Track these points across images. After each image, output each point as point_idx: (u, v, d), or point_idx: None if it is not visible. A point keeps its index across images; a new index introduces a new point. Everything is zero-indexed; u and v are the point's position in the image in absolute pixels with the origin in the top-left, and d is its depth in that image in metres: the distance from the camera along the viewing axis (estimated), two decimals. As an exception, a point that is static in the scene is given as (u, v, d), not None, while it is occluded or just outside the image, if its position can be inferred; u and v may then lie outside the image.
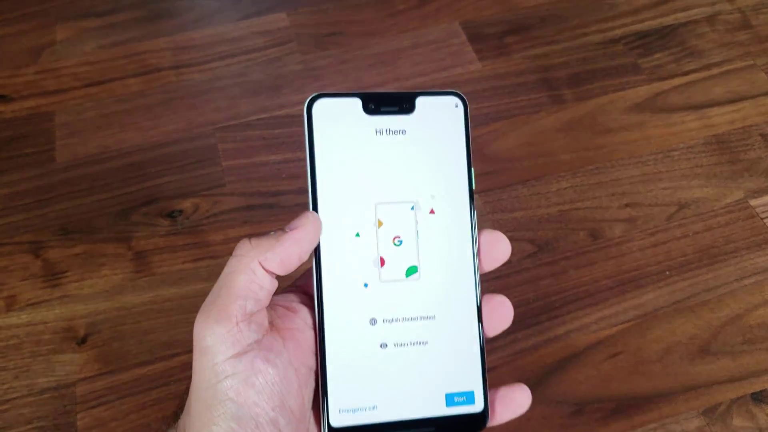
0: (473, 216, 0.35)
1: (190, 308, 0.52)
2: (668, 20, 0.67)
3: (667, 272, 0.52)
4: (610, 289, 0.51)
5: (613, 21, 0.67)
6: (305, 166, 0.34)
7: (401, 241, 0.35)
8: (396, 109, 0.35)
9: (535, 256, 0.53)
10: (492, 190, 0.57)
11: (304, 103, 0.33)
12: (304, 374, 0.35)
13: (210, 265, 0.54)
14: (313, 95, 0.34)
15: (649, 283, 0.52)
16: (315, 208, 0.34)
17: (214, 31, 0.70)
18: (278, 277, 0.33)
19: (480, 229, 0.35)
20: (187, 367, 0.49)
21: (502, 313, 0.36)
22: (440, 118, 0.36)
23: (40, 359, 0.49)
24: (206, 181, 0.59)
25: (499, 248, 0.36)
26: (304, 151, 0.34)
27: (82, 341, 0.50)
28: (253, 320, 0.33)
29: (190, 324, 0.51)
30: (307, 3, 0.71)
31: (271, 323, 0.34)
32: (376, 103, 0.35)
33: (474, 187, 0.36)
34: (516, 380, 0.47)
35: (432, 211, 0.35)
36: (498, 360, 0.48)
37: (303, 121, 0.34)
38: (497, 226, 0.54)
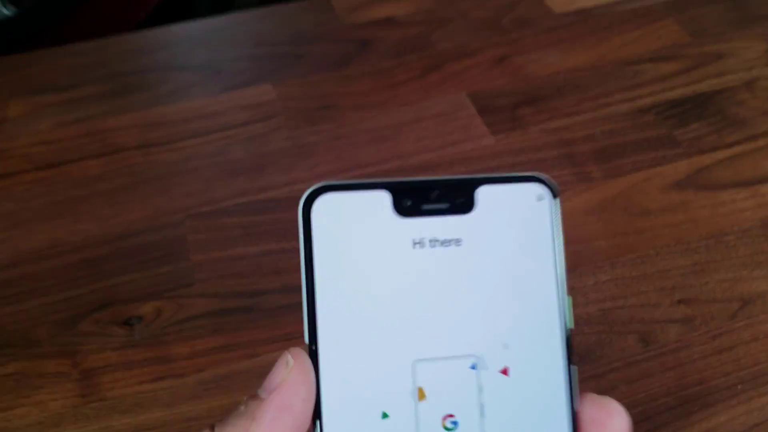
0: (573, 376, 0.24)
1: (144, 444, 0.41)
2: (702, 87, 0.59)
3: (739, 386, 0.42)
4: (671, 410, 0.41)
5: (640, 89, 0.59)
6: (301, 292, 0.23)
7: (456, 423, 0.23)
8: (446, 206, 0.24)
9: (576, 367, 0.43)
10: (517, 285, 0.47)
11: (294, 190, 0.24)
12: None
13: (173, 386, 0.43)
14: (315, 187, 0.23)
15: (719, 401, 0.41)
16: (316, 368, 0.23)
17: (189, 105, 0.61)
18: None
19: (581, 392, 0.24)
20: None
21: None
22: (515, 219, 0.24)
23: None
24: (171, 279, 0.49)
25: (611, 426, 0.24)
26: (300, 273, 0.23)
27: (6, 490, 0.39)
28: None
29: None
30: (296, 74, 0.63)
31: None
32: (415, 198, 0.23)
33: (572, 326, 0.24)
34: None
35: (505, 371, 0.23)
36: None
37: (298, 226, 0.23)
38: (526, 330, 0.45)
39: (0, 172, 0.56)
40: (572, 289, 0.46)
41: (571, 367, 0.24)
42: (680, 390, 0.42)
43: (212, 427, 0.22)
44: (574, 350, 0.25)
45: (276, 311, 0.46)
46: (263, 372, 0.44)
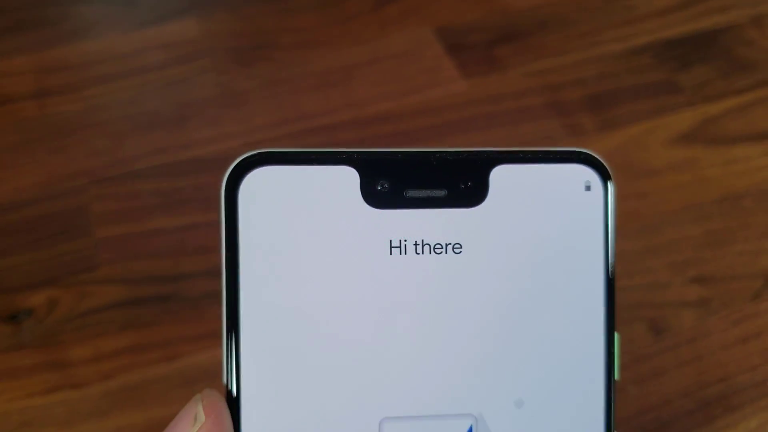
0: None
1: (29, 480, 0.32)
2: (704, 24, 0.51)
3: (768, 382, 0.35)
4: (690, 414, 0.34)
5: (634, 26, 0.51)
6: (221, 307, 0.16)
7: None
8: (442, 194, 0.16)
9: None
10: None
11: (224, 154, 0.22)
12: None
13: (69, 399, 0.34)
14: (247, 156, 0.16)
15: (746, 402, 0.34)
16: (236, 423, 0.16)
17: (96, 45, 0.50)
18: None
19: None
20: None
21: None
22: (546, 216, 0.16)
23: None
24: (71, 261, 0.39)
25: None
26: (219, 281, 0.16)
27: None
28: None
29: None
30: (226, 7, 0.52)
31: None
32: (395, 178, 0.16)
33: (618, 377, 0.17)
34: None
35: None
36: None
37: (219, 214, 0.16)
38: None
39: None
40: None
41: None
42: (699, 389, 0.35)
43: None
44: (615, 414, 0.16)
45: (201, 301, 0.37)
46: (185, 380, 0.35)
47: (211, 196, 0.41)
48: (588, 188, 0.17)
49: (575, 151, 0.17)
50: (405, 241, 0.16)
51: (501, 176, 0.16)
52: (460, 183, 0.16)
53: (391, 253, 0.16)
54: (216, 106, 0.46)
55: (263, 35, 0.50)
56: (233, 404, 0.16)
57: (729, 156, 0.44)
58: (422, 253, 0.16)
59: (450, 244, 0.16)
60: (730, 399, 0.34)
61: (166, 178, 0.43)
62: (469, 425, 0.16)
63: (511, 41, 0.50)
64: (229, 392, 0.16)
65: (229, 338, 0.16)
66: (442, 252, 0.16)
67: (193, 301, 0.37)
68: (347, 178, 0.16)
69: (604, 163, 0.17)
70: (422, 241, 0.16)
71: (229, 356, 0.16)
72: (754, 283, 0.38)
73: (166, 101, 0.47)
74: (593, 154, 0.17)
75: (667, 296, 0.38)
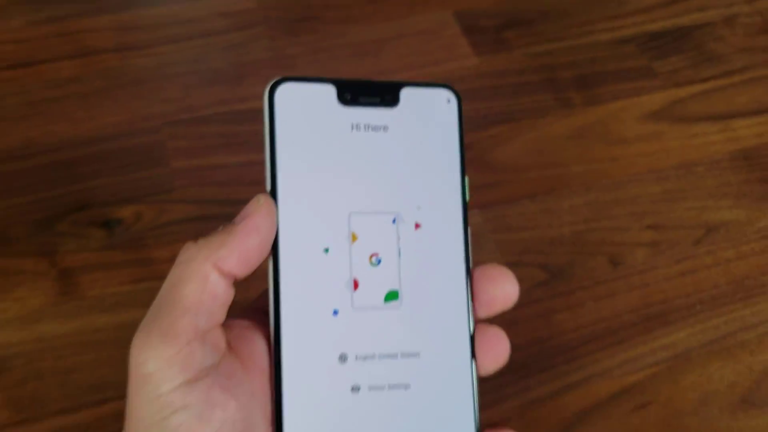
0: (467, 233, 0.30)
1: (126, 341, 0.41)
2: (683, 21, 0.60)
3: (698, 306, 0.45)
4: (634, 326, 0.44)
5: (623, 19, 0.60)
6: (264, 159, 0.27)
7: (380, 260, 0.29)
8: (377, 100, 0.29)
9: (547, 284, 0.45)
10: (494, 204, 0.48)
11: (265, 86, 0.27)
12: (269, 410, 0.27)
13: (153, 288, 0.43)
14: (278, 79, 0.28)
15: (679, 319, 0.44)
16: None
17: (166, 10, 0.60)
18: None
19: (478, 262, 0.29)
20: (121, 416, 0.39)
21: (497, 348, 0.30)
22: (429, 115, 0.30)
23: (-72, 406, 0.39)
24: (152, 185, 0.49)
25: (502, 288, 0.29)
26: (263, 145, 0.28)
27: (-13, 382, 0.40)
28: (207, 340, 0.26)
29: (126, 361, 0.42)
30: (277, -16, 0.62)
31: (229, 344, 0.27)
32: (353, 92, 0.29)
33: (468, 199, 0.30)
34: (529, 437, 0.39)
35: (417, 226, 0.29)
36: (508, 410, 0.40)
37: (263, 108, 0.28)
38: (501, 247, 0.46)
39: (-30, 68, 0.54)
40: (547, 211, 0.48)
41: (467, 226, 0.30)
42: (644, 308, 0.44)
43: (196, 240, 0.27)
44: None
45: (257, 219, 0.47)
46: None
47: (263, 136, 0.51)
48: (449, 101, 0.30)
49: (445, 84, 0.30)
50: (359, 123, 0.29)
51: (408, 93, 0.29)
52: (386, 95, 0.29)
53: (351, 130, 0.29)
54: (268, 67, 0.55)
55: (310, 9, 0.59)
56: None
57: (689, 132, 0.53)
58: (367, 131, 0.29)
59: (382, 126, 0.29)
60: (666, 316, 0.44)
61: (227, 123, 0.52)
62: (394, 217, 0.29)
63: (517, 26, 0.59)
64: (270, 194, 0.28)
65: (271, 167, 0.27)
66: (378, 131, 0.29)
67: (250, 220, 0.47)
68: (330, 90, 0.29)
69: (457, 91, 0.29)
70: (367, 125, 0.29)
71: (272, 177, 0.27)
72: (697, 232, 0.48)
73: (226, 61, 0.56)
74: (452, 86, 0.30)
75: (626, 238, 0.47)
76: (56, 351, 0.41)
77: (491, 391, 0.39)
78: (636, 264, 0.46)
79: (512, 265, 0.44)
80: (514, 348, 0.41)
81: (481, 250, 0.46)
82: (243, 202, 0.48)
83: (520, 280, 0.38)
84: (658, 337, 0.43)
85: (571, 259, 0.46)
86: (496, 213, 0.48)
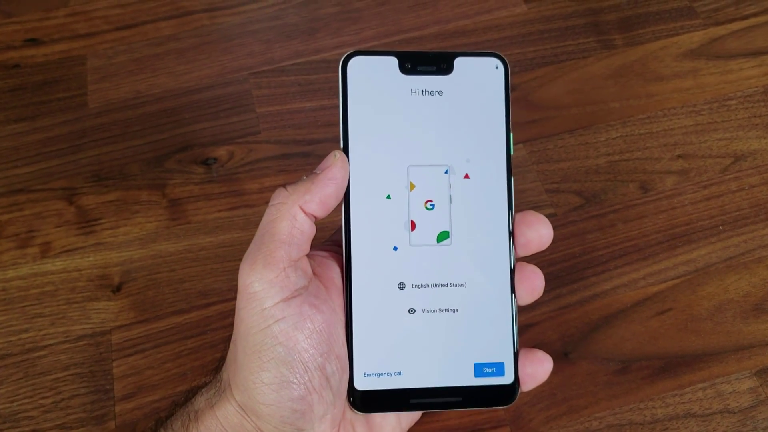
0: (510, 183, 0.35)
1: (225, 257, 0.51)
2: (727, -40, 0.63)
3: (721, 227, 0.50)
4: (660, 244, 0.49)
5: (668, -39, 0.63)
6: (339, 121, 0.34)
7: (433, 206, 0.34)
8: (433, 69, 0.34)
9: (582, 208, 0.51)
10: (537, 139, 0.54)
11: (341, 53, 0.34)
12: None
13: (246, 214, 0.53)
14: (349, 52, 0.34)
15: (702, 239, 0.49)
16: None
17: (247, -28, 0.67)
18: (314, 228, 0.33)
19: (520, 208, 0.34)
20: (224, 316, 0.48)
21: (533, 283, 0.35)
22: (479, 80, 0.34)
23: (75, 306, 0.49)
24: (241, 128, 0.57)
25: (538, 231, 0.35)
26: (338, 109, 0.34)
27: (117, 289, 0.49)
28: (297, 266, 0.32)
29: (226, 273, 0.51)
30: (344, -57, 0.68)
31: (314, 270, 0.34)
32: (412, 63, 0.34)
33: (512, 154, 0.35)
34: (559, 336, 0.46)
35: (467, 176, 0.34)
36: (541, 315, 0.46)
37: (338, 78, 0.33)
38: (542, 176, 0.52)
39: (87, 32, 0.64)
40: (585, 144, 0.54)
41: (510, 177, 0.35)
42: (669, 229, 0.50)
43: (285, 186, 0.33)
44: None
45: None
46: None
47: (334, 86, 0.58)
48: (496, 68, 0.35)
49: (494, 52, 0.34)
50: (416, 90, 0.34)
51: (461, 62, 0.34)
52: (442, 64, 0.34)
53: (411, 95, 0.34)
54: (337, 21, 0.62)
55: (373, -34, 0.66)
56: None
57: (725, 68, 0.57)
58: (425, 95, 0.34)
59: (437, 90, 0.34)
60: (690, 236, 0.49)
61: (303, 73, 0.59)
62: (446, 169, 0.34)
63: (565, -26, 0.63)
64: (343, 150, 0.34)
65: (344, 127, 0.34)
66: (434, 95, 0.34)
67: (323, 156, 0.54)
68: (392, 61, 0.34)
69: (504, 58, 0.34)
70: (425, 90, 0.34)
71: (344, 135, 0.34)
72: (725, 160, 0.52)
73: (301, 17, 0.63)
74: (500, 54, 0.34)
75: (657, 167, 0.52)
76: (169, 265, 0.51)
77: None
78: (665, 190, 0.51)
79: (551, 192, 0.51)
80: (550, 262, 0.48)
81: (524, 179, 0.52)
82: (317, 142, 0.56)
83: (558, 205, 0.45)
84: (681, 254, 0.49)
85: (605, 186, 0.52)
86: (538, 146, 0.54)
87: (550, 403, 0.43)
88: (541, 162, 0.53)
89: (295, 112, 0.57)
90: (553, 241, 0.49)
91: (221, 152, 0.56)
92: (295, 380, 0.31)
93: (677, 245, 0.49)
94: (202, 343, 0.47)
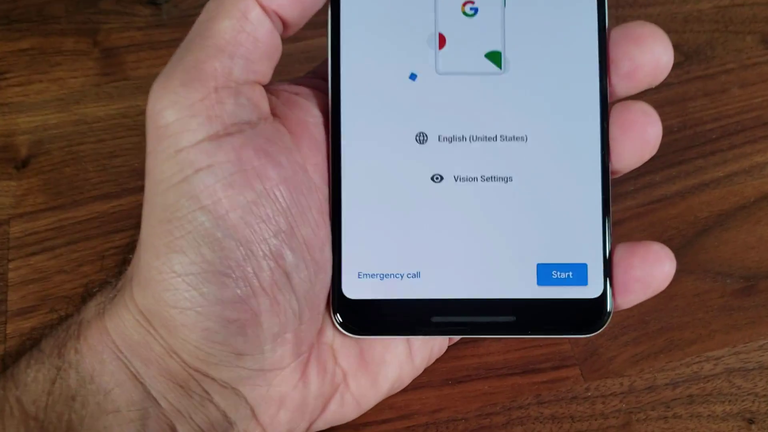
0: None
1: (173, 123, 0.36)
2: None
3: None
4: (786, 115, 0.35)
5: None
6: None
7: (476, 10, 0.23)
8: None
9: (681, 67, 0.36)
10: (617, -26, 0.39)
11: None
12: (324, 192, 0.22)
13: (205, 67, 0.38)
14: None
15: None
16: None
17: None
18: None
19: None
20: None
21: (643, 132, 0.22)
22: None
23: (-40, 185, 0.35)
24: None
25: (649, 52, 0.22)
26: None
27: (23, 165, 0.36)
28: (242, 93, 0.20)
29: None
30: None
31: (274, 111, 0.22)
32: None
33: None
34: (650, 239, 0.31)
35: None
36: (625, 211, 0.32)
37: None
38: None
39: None
40: (684, -18, 0.38)
41: None
42: (803, 96, 0.35)
43: None
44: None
45: None
46: (306, 56, 0.38)
47: None
48: None
49: None
50: None
51: None
52: None
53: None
54: None
55: None
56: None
57: None
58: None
59: None
60: (835, 108, 0.35)
61: None
62: None
63: None
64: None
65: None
66: None
67: None
68: None
69: None
70: None
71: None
72: None
73: None
74: None
75: (786, 14, 0.37)
76: (96, 134, 0.37)
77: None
78: (797, 45, 0.36)
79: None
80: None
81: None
82: None
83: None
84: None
85: (711, 39, 0.37)
86: (618, -16, 0.39)
87: (640, 336, 0.29)
88: (623, 6, 0.38)
89: None
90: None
91: (176, -13, 0.41)
92: (228, 270, 0.20)
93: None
94: (134, 240, 0.33)
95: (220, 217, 0.20)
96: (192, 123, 0.20)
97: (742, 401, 0.27)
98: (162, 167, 0.20)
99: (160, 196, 0.20)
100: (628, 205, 0.32)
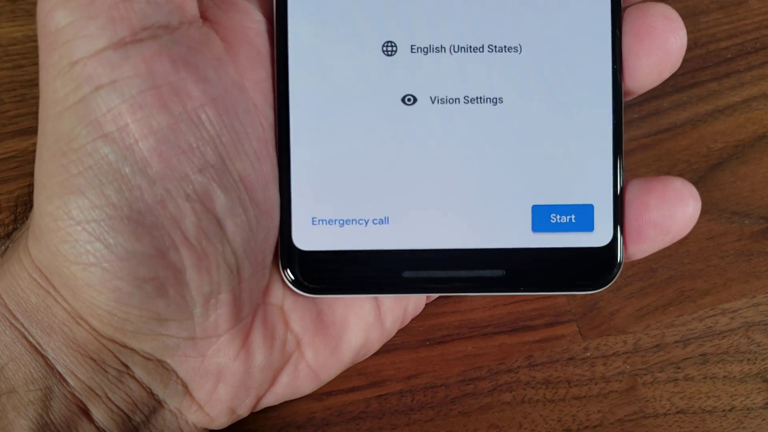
0: None
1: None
2: None
3: None
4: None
5: None
6: None
7: None
8: None
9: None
10: None
11: None
12: (268, 117, 0.18)
13: None
14: None
15: None
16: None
17: None
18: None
19: None
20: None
21: (664, 39, 0.18)
22: None
23: None
24: None
25: None
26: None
27: None
28: None
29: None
30: None
31: (204, 13, 0.17)
32: None
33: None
34: (660, 174, 0.27)
35: None
36: (628, 142, 0.28)
37: None
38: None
39: None
40: None
41: None
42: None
43: None
44: None
45: None
46: None
47: None
48: None
49: None
50: None
51: None
52: None
53: None
54: None
55: None
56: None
57: None
58: None
59: None
60: None
61: None
62: None
63: None
64: None
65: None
66: None
67: None
68: None
69: None
70: None
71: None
72: None
73: None
74: None
75: None
76: (13, 59, 0.32)
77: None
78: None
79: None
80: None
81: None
82: None
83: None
84: None
85: (728, -57, 0.32)
86: None
87: (647, 287, 0.25)
88: None
89: None
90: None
91: None
92: (140, 216, 0.16)
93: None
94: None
95: (127, 148, 0.15)
96: (90, 26, 0.15)
97: (763, 360, 0.24)
98: (54, 85, 0.16)
99: (52, 122, 0.16)
100: (631, 135, 0.28)
